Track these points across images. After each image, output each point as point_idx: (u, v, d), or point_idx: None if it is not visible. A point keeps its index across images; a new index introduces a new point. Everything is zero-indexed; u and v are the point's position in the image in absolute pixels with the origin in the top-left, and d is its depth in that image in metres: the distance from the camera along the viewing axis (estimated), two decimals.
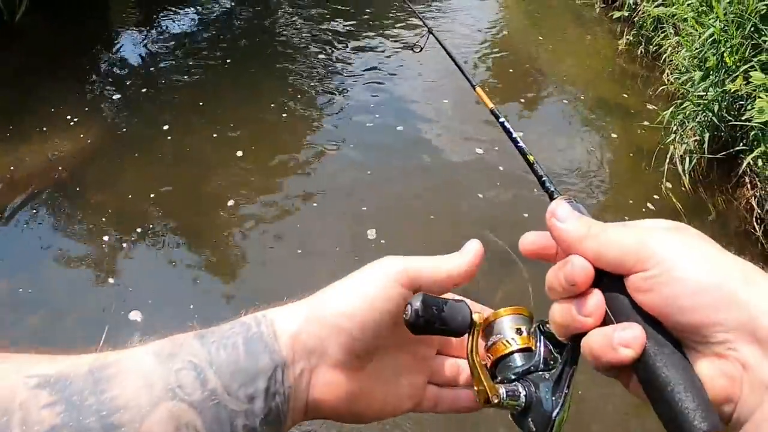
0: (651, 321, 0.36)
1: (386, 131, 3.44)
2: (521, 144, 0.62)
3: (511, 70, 4.39)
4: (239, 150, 3.15)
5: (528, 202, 2.80)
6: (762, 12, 2.75)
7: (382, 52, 4.35)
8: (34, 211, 2.67)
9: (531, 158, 0.57)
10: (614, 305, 0.37)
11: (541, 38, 5.15)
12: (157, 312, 2.16)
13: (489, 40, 4.80)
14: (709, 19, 3.07)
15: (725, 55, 2.89)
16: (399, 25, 4.73)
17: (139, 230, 2.58)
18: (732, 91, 2.71)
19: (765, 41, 2.71)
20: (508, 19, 5.64)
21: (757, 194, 2.59)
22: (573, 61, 4.62)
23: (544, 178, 0.51)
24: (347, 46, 4.42)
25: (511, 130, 0.66)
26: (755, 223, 2.60)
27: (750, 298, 0.33)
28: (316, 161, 3.15)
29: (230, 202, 2.78)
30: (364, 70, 4.08)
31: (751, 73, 2.63)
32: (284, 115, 3.54)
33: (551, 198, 0.46)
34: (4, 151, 3.04)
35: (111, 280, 2.33)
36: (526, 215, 2.73)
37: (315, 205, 2.80)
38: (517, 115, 3.70)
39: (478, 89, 1.09)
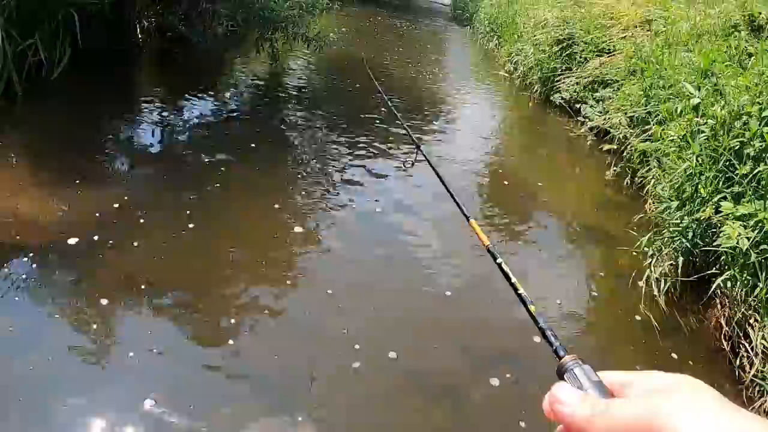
0: None
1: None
2: (522, 292, 0.62)
3: (502, 195, 4.58)
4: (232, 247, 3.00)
5: None
6: (735, 148, 2.96)
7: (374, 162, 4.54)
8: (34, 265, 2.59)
9: (532, 308, 0.58)
10: None
11: (533, 166, 5.47)
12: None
13: (483, 165, 5.09)
14: (687, 154, 3.29)
15: (699, 186, 3.06)
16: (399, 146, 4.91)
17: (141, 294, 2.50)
18: (703, 219, 2.84)
19: (737, 174, 2.88)
20: (503, 146, 6.02)
21: (726, 313, 2.63)
22: (563, 189, 4.86)
23: (548, 332, 0.52)
24: (349, 161, 4.45)
25: (510, 273, 0.67)
26: (723, 340, 2.61)
27: None
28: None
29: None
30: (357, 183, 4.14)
31: (721, 203, 2.76)
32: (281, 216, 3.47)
33: (557, 355, 0.48)
34: (28, 199, 3.09)
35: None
36: None
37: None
38: (505, 239, 3.77)
39: (472, 222, 1.14)
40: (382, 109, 5.59)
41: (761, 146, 2.81)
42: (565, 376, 0.46)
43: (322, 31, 10.86)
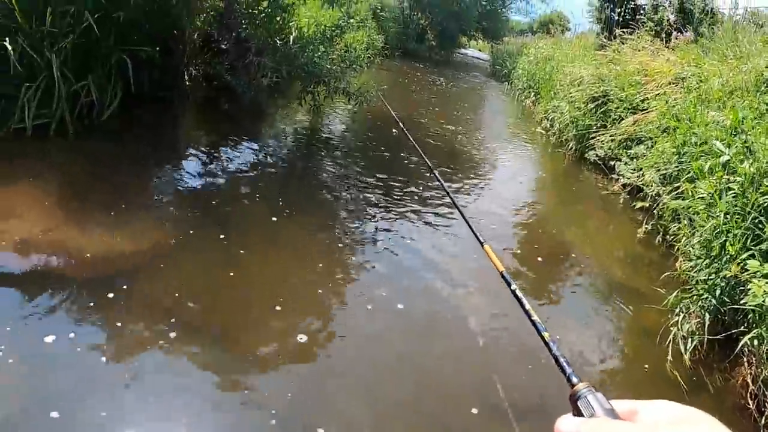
0: None
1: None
2: (535, 318, 0.63)
3: (536, 253, 4.46)
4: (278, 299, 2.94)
5: None
6: (764, 205, 2.87)
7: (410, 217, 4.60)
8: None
9: (546, 335, 0.59)
10: None
11: (566, 222, 5.40)
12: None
13: (516, 220, 5.04)
14: (715, 212, 3.20)
15: (727, 244, 2.96)
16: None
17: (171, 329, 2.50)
18: (729, 276, 2.73)
19: (765, 232, 2.78)
20: (536, 203, 5.98)
21: (752, 372, 2.50)
22: (595, 246, 4.77)
23: (561, 360, 0.54)
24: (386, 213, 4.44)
25: (525, 302, 0.67)
26: (749, 399, 2.48)
27: None
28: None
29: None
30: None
31: (747, 261, 2.66)
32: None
33: (569, 382, 0.50)
34: (73, 231, 3.23)
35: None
36: None
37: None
38: (536, 291, 3.71)
39: (486, 247, 1.18)
40: (417, 163, 5.68)
41: None
42: (578, 403, 0.47)
43: (363, 85, 11.30)
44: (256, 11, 6.94)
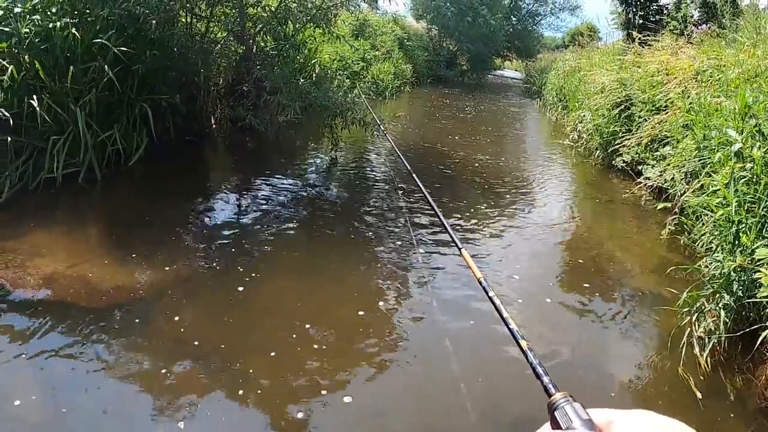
0: None
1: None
2: (513, 327, 0.62)
3: (557, 258, 4.36)
4: (300, 322, 2.90)
5: None
6: None
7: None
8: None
9: (524, 344, 0.58)
10: None
11: (592, 228, 5.21)
12: None
13: (543, 231, 4.91)
14: (726, 201, 3.02)
15: (741, 234, 2.78)
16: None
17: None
18: (740, 269, 2.55)
19: None
20: (563, 215, 5.81)
21: None
22: (619, 250, 4.57)
23: (538, 368, 0.53)
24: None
25: (503, 310, 0.67)
26: None
27: None
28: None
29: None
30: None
31: (756, 249, 2.49)
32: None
33: (546, 392, 0.49)
34: (97, 266, 3.37)
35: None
36: None
37: None
38: (563, 296, 3.62)
39: (464, 253, 1.19)
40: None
41: None
42: (555, 413, 0.46)
43: (394, 113, 11.43)
44: (274, 52, 7.25)
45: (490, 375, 2.60)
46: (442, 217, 1.74)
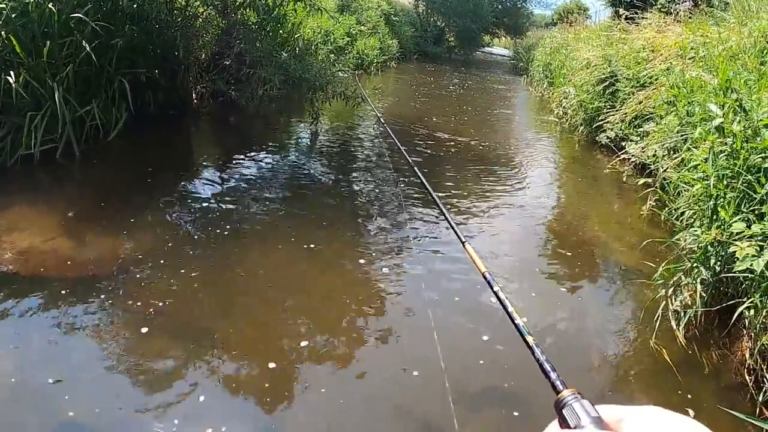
0: None
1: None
2: (519, 322, 0.60)
3: (540, 233, 4.40)
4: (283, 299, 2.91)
5: None
6: (757, 165, 2.71)
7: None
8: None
9: (530, 339, 0.56)
10: None
11: (573, 203, 5.24)
12: None
13: (525, 207, 4.95)
14: (705, 175, 3.05)
15: (719, 208, 2.81)
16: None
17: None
18: (715, 241, 2.58)
19: (758, 193, 2.62)
20: (546, 190, 5.83)
21: (750, 345, 2.33)
22: (599, 225, 4.62)
23: (545, 365, 0.51)
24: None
25: (508, 305, 0.64)
26: (747, 375, 2.30)
27: None
28: None
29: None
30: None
31: (732, 223, 2.52)
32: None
33: (554, 389, 0.48)
34: (71, 239, 3.35)
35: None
36: None
37: None
38: (544, 272, 3.64)
39: (468, 247, 1.16)
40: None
41: None
42: (563, 411, 0.45)
43: (380, 88, 11.33)
44: (256, 26, 7.11)
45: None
46: (438, 202, 1.71)
